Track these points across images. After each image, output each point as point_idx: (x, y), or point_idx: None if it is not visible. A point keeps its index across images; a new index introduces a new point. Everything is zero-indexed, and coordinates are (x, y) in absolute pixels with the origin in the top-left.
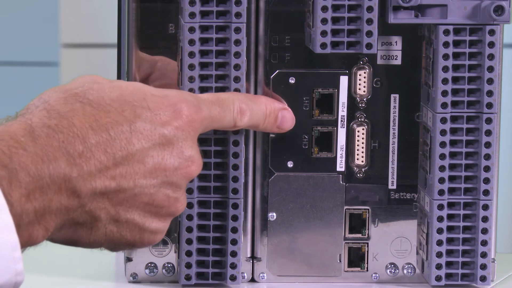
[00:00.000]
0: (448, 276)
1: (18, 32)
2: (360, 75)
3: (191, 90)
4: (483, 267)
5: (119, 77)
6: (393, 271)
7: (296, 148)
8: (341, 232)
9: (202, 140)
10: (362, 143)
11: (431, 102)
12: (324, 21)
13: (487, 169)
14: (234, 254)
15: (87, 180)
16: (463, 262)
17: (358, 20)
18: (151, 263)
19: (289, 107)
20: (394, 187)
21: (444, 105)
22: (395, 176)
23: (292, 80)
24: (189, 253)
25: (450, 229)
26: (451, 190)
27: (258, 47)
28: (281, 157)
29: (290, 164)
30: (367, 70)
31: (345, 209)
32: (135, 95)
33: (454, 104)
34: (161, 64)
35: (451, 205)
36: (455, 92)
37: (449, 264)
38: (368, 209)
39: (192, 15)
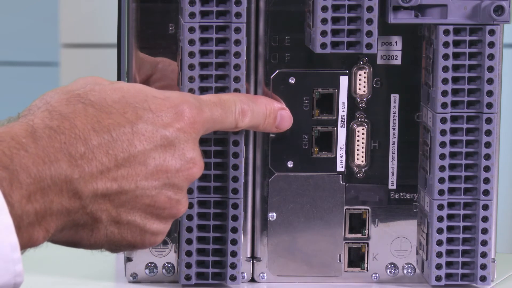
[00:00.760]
0: (448, 276)
1: (18, 32)
2: (360, 75)
3: (191, 90)
4: (483, 267)
5: (119, 77)
6: (393, 271)
7: (296, 148)
8: (341, 232)
9: (202, 140)
10: (362, 143)
11: (431, 102)
12: (324, 21)
13: (487, 169)
14: (234, 254)
15: (89, 181)
16: (463, 262)
17: (358, 20)
18: (151, 263)
19: (289, 107)
20: (394, 187)
21: (444, 105)
22: (395, 176)
23: (292, 80)
24: (189, 253)
25: (450, 229)
26: (451, 190)
27: (258, 47)
28: (281, 157)
29: (290, 164)
30: (367, 70)
31: (345, 209)
32: (137, 97)
33: (454, 104)
34: (162, 65)
35: (451, 205)
36: (455, 92)
37: (449, 264)
38: (368, 209)
39: (192, 15)
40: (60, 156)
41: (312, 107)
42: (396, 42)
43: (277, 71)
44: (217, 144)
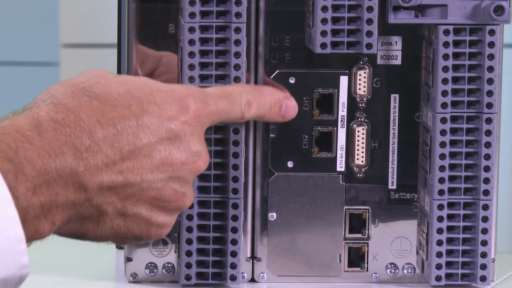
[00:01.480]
0: (448, 276)
1: (18, 32)
2: (360, 75)
3: None
4: (483, 267)
5: None
6: (393, 271)
7: (296, 148)
8: (341, 232)
9: None
10: (362, 143)
11: (431, 102)
12: (324, 21)
13: (487, 169)
14: (234, 254)
15: (94, 174)
16: (463, 262)
17: (358, 20)
18: (151, 263)
19: None
20: (394, 187)
21: (444, 105)
22: (395, 176)
23: (292, 80)
24: (189, 253)
25: (450, 229)
26: (451, 190)
27: (258, 47)
28: (281, 157)
29: (290, 164)
30: (367, 70)
31: (345, 209)
32: (142, 90)
33: (454, 104)
34: (166, 59)
35: (451, 205)
36: (455, 92)
37: (449, 264)
38: (368, 209)
39: (192, 15)
40: (65, 149)
41: (312, 107)
42: (396, 42)
43: (277, 71)
44: (217, 144)
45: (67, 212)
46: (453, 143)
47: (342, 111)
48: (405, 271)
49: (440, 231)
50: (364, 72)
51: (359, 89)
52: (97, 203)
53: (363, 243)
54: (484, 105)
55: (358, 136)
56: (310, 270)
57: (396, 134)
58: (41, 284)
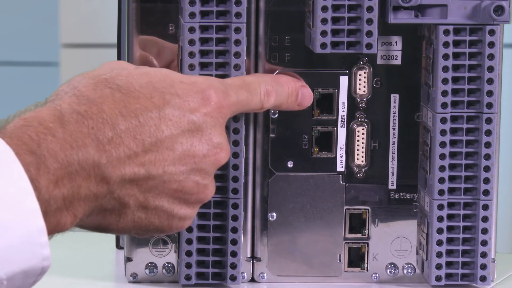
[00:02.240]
0: (448, 276)
1: (18, 32)
2: (360, 75)
3: None
4: (483, 267)
5: None
6: (393, 271)
7: (296, 148)
8: (341, 232)
9: None
10: (362, 143)
11: (431, 102)
12: (324, 21)
13: (487, 169)
14: (234, 254)
15: (116, 166)
16: (463, 262)
17: (358, 20)
18: (151, 263)
19: None
20: (394, 187)
21: (444, 105)
22: (395, 176)
23: None
24: (189, 253)
25: (450, 229)
26: (451, 190)
27: (258, 47)
28: (281, 157)
29: (290, 164)
30: (367, 70)
31: (345, 209)
32: (164, 82)
33: (454, 104)
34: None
35: (451, 205)
36: (455, 92)
37: (449, 264)
38: (368, 209)
39: (192, 15)
40: (88, 141)
41: (312, 107)
42: (396, 42)
43: (277, 71)
44: None
45: (89, 204)
46: (453, 143)
47: (342, 111)
48: (405, 271)
49: (440, 231)
50: (364, 72)
51: (359, 89)
52: (119, 196)
53: (363, 243)
54: (484, 105)
55: (358, 136)
56: (310, 270)
57: (396, 134)
58: (41, 284)
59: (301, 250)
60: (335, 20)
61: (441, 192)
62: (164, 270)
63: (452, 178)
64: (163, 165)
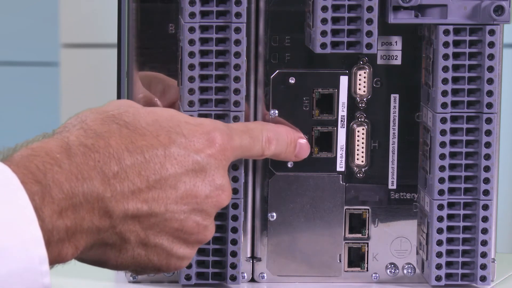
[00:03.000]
0: (448, 276)
1: (18, 32)
2: (360, 75)
3: (191, 90)
4: (483, 267)
5: (119, 77)
6: (393, 271)
7: None
8: (341, 232)
9: None
10: (362, 143)
11: (431, 102)
12: (324, 21)
13: (487, 169)
14: (234, 254)
15: (120, 201)
16: (463, 262)
17: (358, 20)
18: None
19: (289, 107)
20: (394, 187)
21: (444, 105)
22: (395, 176)
23: (292, 80)
24: None
25: (450, 229)
26: (451, 190)
27: (258, 47)
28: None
29: (290, 164)
30: (367, 70)
31: (345, 209)
32: (170, 121)
33: (454, 104)
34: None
35: (451, 205)
36: (455, 92)
37: (449, 264)
38: (368, 209)
39: (192, 15)
40: (94, 174)
41: (312, 107)
42: (396, 42)
43: (277, 71)
44: None
45: (91, 237)
46: (453, 143)
47: (342, 111)
48: (405, 271)
49: (440, 231)
50: (364, 72)
51: (359, 89)
52: (121, 231)
53: (363, 243)
54: (484, 105)
55: (358, 136)
56: (310, 270)
57: (396, 134)
58: None
59: (301, 250)
60: (335, 20)
61: (441, 192)
62: None
63: (452, 178)
64: (166, 203)
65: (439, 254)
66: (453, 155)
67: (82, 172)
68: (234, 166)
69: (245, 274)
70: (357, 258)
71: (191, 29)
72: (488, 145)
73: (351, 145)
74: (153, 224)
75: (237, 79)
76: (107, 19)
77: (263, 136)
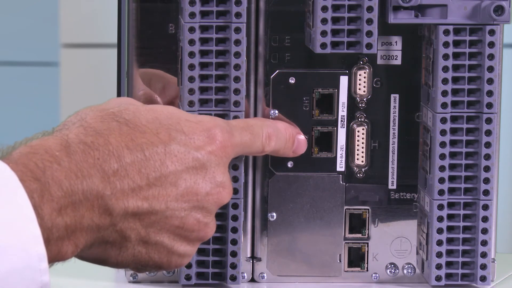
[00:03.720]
0: (448, 276)
1: (18, 32)
2: (360, 75)
3: (191, 90)
4: (483, 267)
5: (119, 77)
6: (393, 271)
7: None
8: (341, 232)
9: None
10: (362, 143)
11: (431, 102)
12: (324, 21)
13: (487, 169)
14: (234, 254)
15: (120, 199)
16: (463, 262)
17: (358, 20)
18: None
19: (289, 107)
20: (394, 187)
21: (444, 105)
22: (395, 176)
23: (292, 80)
24: None
25: (450, 229)
26: (451, 190)
27: (258, 47)
28: (281, 157)
29: (290, 164)
30: (367, 70)
31: (345, 209)
32: (170, 119)
33: (454, 104)
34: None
35: (451, 205)
36: (455, 92)
37: (449, 264)
38: (368, 209)
39: (192, 15)
40: (93, 171)
41: (312, 107)
42: (396, 42)
43: (277, 71)
44: None
45: (91, 235)
46: (453, 143)
47: (342, 111)
48: (405, 271)
49: (440, 231)
50: (364, 72)
51: (359, 89)
52: (121, 229)
53: (363, 243)
54: (484, 105)
55: (358, 136)
56: (310, 270)
57: (396, 134)
58: None
59: (301, 250)
60: (335, 20)
61: (441, 192)
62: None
63: (452, 178)
64: (166, 200)
65: (439, 254)
66: (453, 155)
67: (81, 169)
68: (234, 166)
69: (245, 274)
70: (357, 258)
71: (191, 29)
72: (488, 145)
73: (351, 145)
74: (153, 222)
75: (237, 79)
76: (107, 19)
77: (264, 132)
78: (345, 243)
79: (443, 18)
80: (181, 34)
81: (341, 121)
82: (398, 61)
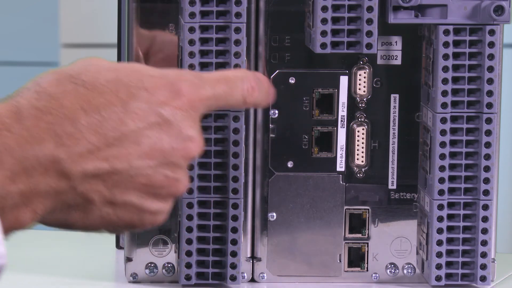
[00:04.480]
0: (448, 276)
1: (18, 32)
2: (360, 75)
3: None
4: (483, 267)
5: None
6: (393, 271)
7: (296, 148)
8: (341, 232)
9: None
10: (362, 143)
11: (431, 102)
12: (324, 21)
13: (487, 169)
14: (234, 254)
15: (77, 162)
16: (463, 262)
17: (358, 20)
18: (151, 263)
19: (289, 107)
20: (394, 187)
21: (444, 105)
22: (395, 176)
23: (292, 80)
24: (189, 253)
25: (450, 229)
26: (451, 190)
27: (258, 47)
28: (281, 157)
29: (290, 164)
30: (367, 70)
31: (345, 209)
32: (132, 76)
33: (454, 104)
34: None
35: (451, 205)
36: (455, 92)
37: (449, 264)
38: (368, 209)
39: (192, 15)
40: (46, 136)
41: (312, 107)
42: (396, 42)
43: (277, 71)
44: (217, 144)
45: (50, 200)
46: (453, 143)
47: (342, 111)
48: (405, 271)
49: (440, 231)
50: (364, 72)
51: (359, 89)
52: (82, 191)
53: (363, 243)
54: (484, 105)
55: (358, 136)
56: (310, 270)
57: (396, 134)
58: (41, 284)
59: (301, 250)
60: (335, 20)
61: (441, 192)
62: (164, 270)
63: (452, 178)
64: (129, 159)
65: (439, 254)
66: (453, 155)
67: (33, 135)
68: (234, 166)
69: (245, 274)
70: (357, 258)
71: (191, 29)
72: (488, 145)
73: (351, 145)
74: (117, 182)
75: None
76: (107, 19)
77: (244, 84)
78: (345, 243)
79: (443, 18)
80: (181, 34)
81: (341, 121)
82: (398, 61)
